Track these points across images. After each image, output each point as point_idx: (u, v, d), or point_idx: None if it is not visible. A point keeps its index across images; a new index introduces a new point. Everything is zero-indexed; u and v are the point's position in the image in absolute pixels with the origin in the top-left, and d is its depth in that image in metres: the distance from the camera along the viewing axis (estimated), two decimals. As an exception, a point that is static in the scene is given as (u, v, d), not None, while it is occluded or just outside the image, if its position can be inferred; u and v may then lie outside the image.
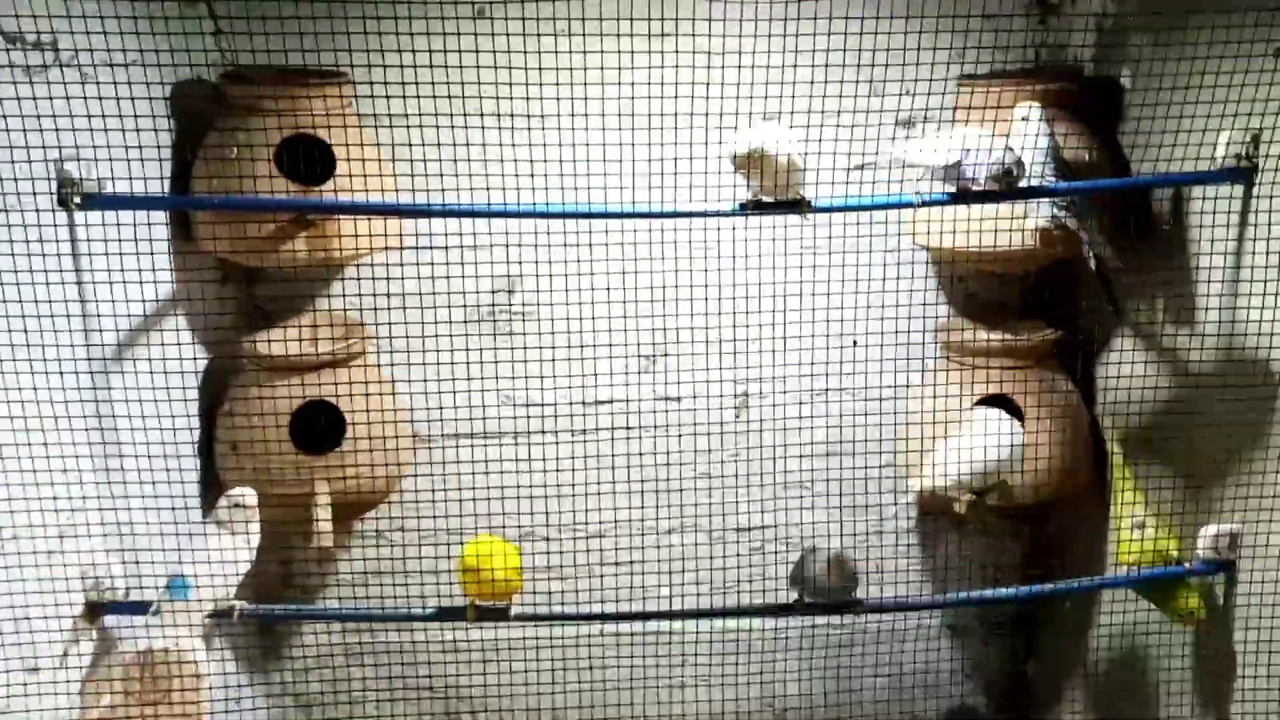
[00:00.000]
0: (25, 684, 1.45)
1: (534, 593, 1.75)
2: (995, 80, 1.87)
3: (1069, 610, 2.12)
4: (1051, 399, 1.93)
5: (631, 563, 1.82)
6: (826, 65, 1.50)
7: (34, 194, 1.43)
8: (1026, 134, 1.69)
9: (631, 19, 1.54)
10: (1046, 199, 1.69)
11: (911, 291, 1.76)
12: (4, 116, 1.36)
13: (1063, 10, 1.97)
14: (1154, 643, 1.82)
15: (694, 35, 1.56)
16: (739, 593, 1.79)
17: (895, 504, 1.93)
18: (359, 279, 1.94)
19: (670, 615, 1.72)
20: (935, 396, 1.95)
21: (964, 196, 1.61)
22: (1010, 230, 1.77)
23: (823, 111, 1.56)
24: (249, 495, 1.59)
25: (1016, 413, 1.90)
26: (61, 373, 1.47)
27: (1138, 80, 1.82)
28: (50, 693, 1.48)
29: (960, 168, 1.58)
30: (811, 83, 1.48)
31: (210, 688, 1.64)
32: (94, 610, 1.57)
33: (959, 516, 1.84)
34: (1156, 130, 1.64)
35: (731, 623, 1.97)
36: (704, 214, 1.60)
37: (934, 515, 2.22)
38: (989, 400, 1.92)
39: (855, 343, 1.80)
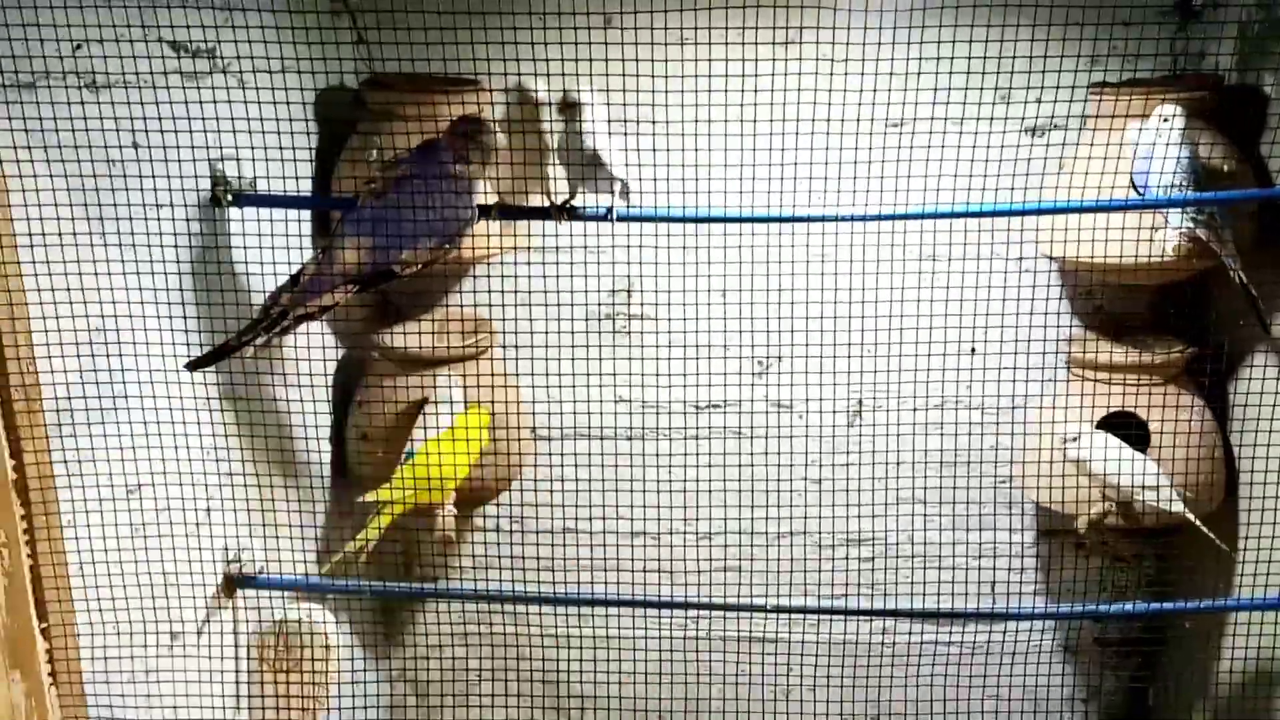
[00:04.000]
0: (171, 648, 1.55)
1: (644, 584, 1.78)
2: (1130, 88, 1.82)
3: (1192, 634, 2.04)
4: (1182, 417, 1.86)
5: (740, 561, 1.84)
6: (950, 72, 1.50)
7: (196, 190, 1.53)
8: (1169, 142, 1.64)
9: (756, 27, 1.56)
10: (1184, 210, 1.64)
11: (1033, 300, 1.72)
12: (173, 119, 1.46)
13: (1204, 16, 1.91)
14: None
15: (818, 43, 1.57)
16: (845, 597, 1.79)
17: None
18: (487, 277, 2.01)
19: (777, 611, 1.73)
20: (1058, 409, 1.91)
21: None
22: (1147, 241, 1.72)
23: (945, 118, 1.55)
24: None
25: (1143, 428, 1.85)
26: (213, 357, 1.57)
27: (1283, 89, 1.75)
28: (193, 656, 1.58)
29: None
30: (935, 89, 1.48)
31: (338, 659, 1.73)
32: (231, 583, 1.67)
33: (1079, 536, 1.80)
34: (1301, 140, 1.58)
35: (838, 627, 1.97)
36: (823, 219, 1.61)
37: (1054, 533, 2.17)
38: (1112, 419, 1.87)
39: (973, 350, 1.78)
